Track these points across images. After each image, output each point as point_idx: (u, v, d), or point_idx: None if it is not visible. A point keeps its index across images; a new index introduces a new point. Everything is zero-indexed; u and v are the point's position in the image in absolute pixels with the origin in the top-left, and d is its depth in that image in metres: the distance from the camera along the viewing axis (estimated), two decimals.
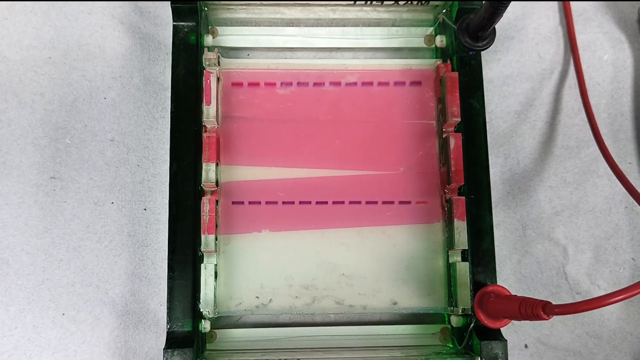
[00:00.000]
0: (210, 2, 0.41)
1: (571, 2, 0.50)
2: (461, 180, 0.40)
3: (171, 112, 0.39)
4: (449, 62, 0.42)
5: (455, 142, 0.40)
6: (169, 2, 0.40)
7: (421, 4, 0.44)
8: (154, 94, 0.45)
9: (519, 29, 0.50)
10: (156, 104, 0.45)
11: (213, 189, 0.40)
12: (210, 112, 0.39)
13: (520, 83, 0.47)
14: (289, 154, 0.41)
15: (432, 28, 0.45)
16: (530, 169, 0.46)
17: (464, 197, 0.40)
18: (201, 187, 0.39)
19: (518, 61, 0.47)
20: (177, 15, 0.40)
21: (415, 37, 0.45)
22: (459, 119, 0.40)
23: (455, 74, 0.41)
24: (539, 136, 0.46)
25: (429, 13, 0.44)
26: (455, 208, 0.40)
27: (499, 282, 0.42)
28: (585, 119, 0.44)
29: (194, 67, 0.40)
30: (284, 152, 0.41)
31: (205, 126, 0.40)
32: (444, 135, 0.41)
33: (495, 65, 0.47)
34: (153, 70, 0.45)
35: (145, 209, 0.44)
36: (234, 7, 0.42)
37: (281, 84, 0.41)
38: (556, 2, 0.50)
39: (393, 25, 0.44)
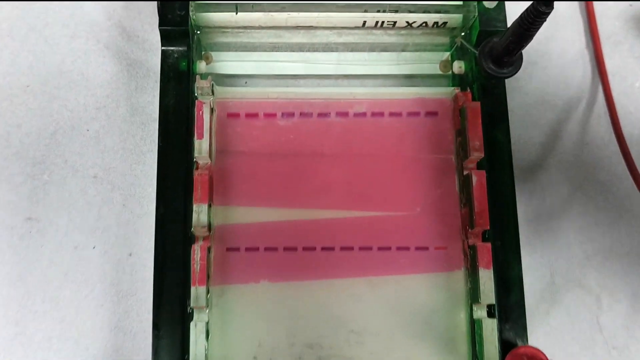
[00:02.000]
0: (203, 25, 0.38)
1: (598, 24, 0.46)
2: (486, 224, 0.36)
3: (158, 147, 0.36)
4: (468, 90, 0.39)
5: (478, 181, 0.36)
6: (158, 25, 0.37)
7: (437, 27, 0.41)
8: (142, 126, 0.42)
9: (542, 54, 0.47)
10: (144, 137, 0.42)
11: (205, 234, 0.36)
12: (202, 146, 0.36)
13: (545, 112, 0.44)
14: (290, 192, 0.38)
15: (448, 53, 0.41)
16: (558, 207, 0.43)
17: (489, 244, 0.36)
18: (191, 232, 0.36)
19: (541, 89, 0.45)
20: (166, 39, 0.37)
21: (430, 62, 0.42)
22: (482, 154, 0.37)
23: (477, 104, 0.37)
24: (566, 170, 0.44)
25: (444, 36, 0.41)
26: (480, 256, 0.36)
27: (528, 338, 0.38)
28: (618, 150, 0.41)
29: (184, 97, 0.37)
30: (285, 190, 0.38)
31: (196, 162, 0.37)
32: (465, 173, 0.38)
33: (517, 94, 0.44)
34: (141, 99, 0.42)
35: (130, 254, 0.40)
36: (229, 30, 0.39)
37: (282, 114, 0.38)
38: (582, 25, 0.47)
39: (405, 50, 0.41)
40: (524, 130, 0.44)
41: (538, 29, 0.33)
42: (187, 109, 0.36)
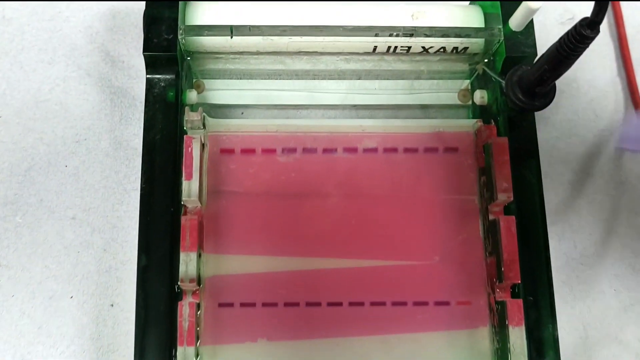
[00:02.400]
0: (194, 50, 0.36)
1: (631, 49, 0.44)
2: (516, 278, 0.34)
3: (141, 189, 0.34)
4: (492, 123, 0.37)
5: (506, 227, 0.34)
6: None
7: (456, 52, 0.38)
8: (126, 162, 0.40)
9: (570, 82, 0.44)
10: (128, 174, 0.40)
11: (193, 287, 0.33)
12: (191, 188, 0.33)
13: (574, 147, 0.42)
14: (292, 239, 0.36)
15: (467, 81, 0.40)
16: (591, 253, 0.41)
17: (520, 300, 0.34)
18: (178, 286, 0.33)
19: (570, 120, 0.43)
20: (151, 66, 0.35)
21: (448, 91, 0.40)
22: (511, 197, 0.34)
23: (504, 140, 0.35)
24: (599, 212, 0.41)
25: (463, 63, 0.39)
26: (510, 313, 0.33)
27: None
28: None
29: (172, 131, 0.34)
30: (285, 236, 0.36)
31: (185, 206, 0.34)
32: (491, 217, 0.35)
33: (542, 126, 0.42)
34: (126, 132, 0.40)
35: (112, 305, 0.38)
36: (223, 56, 0.37)
37: (283, 150, 0.37)
38: (613, 49, 0.45)
39: (420, 78, 0.39)
40: (551, 166, 0.41)
41: (579, 55, 0.30)
42: (175, 144, 0.34)
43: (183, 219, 0.33)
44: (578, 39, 0.29)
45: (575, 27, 0.29)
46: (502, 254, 0.34)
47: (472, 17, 0.38)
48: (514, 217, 0.34)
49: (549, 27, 0.44)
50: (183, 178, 0.34)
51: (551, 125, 0.42)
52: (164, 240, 0.33)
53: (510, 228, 0.34)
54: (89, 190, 0.39)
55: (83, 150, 0.40)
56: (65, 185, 0.39)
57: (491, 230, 0.35)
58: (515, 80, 0.34)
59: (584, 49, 0.29)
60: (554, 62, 0.31)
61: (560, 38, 0.30)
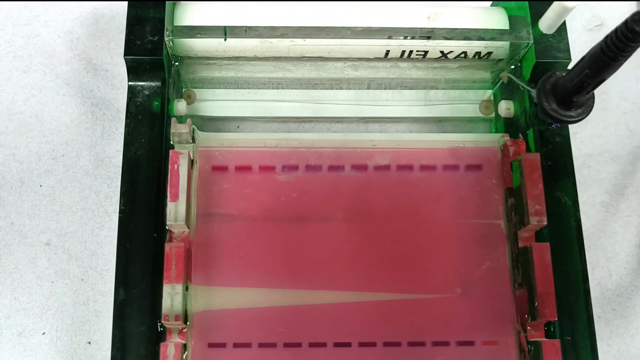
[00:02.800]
0: (182, 54, 0.34)
1: None
2: (552, 314, 0.31)
3: (120, 211, 0.32)
4: (521, 138, 0.35)
5: (540, 255, 0.31)
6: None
7: (479, 58, 0.36)
8: (108, 181, 0.38)
9: (599, 94, 0.40)
10: (110, 195, 0.38)
11: (180, 326, 0.31)
12: (177, 211, 0.31)
13: (605, 165, 0.41)
14: (293, 269, 0.34)
15: (490, 91, 0.38)
16: (627, 283, 0.39)
17: (557, 341, 0.31)
18: (162, 324, 0.31)
19: (601, 136, 0.41)
20: (134, 72, 0.33)
21: (468, 102, 0.38)
22: (545, 221, 0.32)
23: (536, 157, 0.33)
24: (635, 237, 0.39)
25: (485, 71, 0.37)
26: (545, 356, 0.31)
27: None
28: None
29: (156, 146, 0.32)
30: (286, 266, 0.34)
31: (170, 232, 0.32)
32: (521, 244, 0.33)
33: (571, 142, 0.39)
34: (108, 147, 0.39)
35: (89, 343, 0.36)
36: (216, 62, 0.35)
37: (283, 167, 0.35)
38: None
39: (437, 88, 0.38)
40: (581, 186, 0.39)
41: (628, 57, 0.26)
42: (160, 161, 0.32)
43: (167, 246, 0.31)
44: (629, 36, 0.25)
45: (625, 22, 0.25)
46: (535, 286, 0.31)
47: (495, 20, 0.36)
48: (548, 244, 0.32)
49: (576, 34, 0.42)
50: (168, 199, 0.31)
51: (580, 142, 0.40)
52: (146, 271, 0.31)
53: (544, 256, 0.32)
54: (66, 213, 0.38)
55: (60, 167, 0.38)
56: (40, 207, 0.38)
57: (521, 259, 0.33)
58: (549, 88, 0.31)
59: (634, 49, 0.26)
60: (598, 65, 0.27)
61: (606, 37, 0.26)
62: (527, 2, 0.34)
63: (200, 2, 0.35)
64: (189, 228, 0.32)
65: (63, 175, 0.38)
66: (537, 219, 0.32)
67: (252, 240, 0.34)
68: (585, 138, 0.41)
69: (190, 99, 0.37)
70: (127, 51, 0.32)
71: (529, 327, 0.32)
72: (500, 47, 0.35)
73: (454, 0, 0.38)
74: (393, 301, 0.33)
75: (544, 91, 0.31)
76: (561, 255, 0.32)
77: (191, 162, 0.33)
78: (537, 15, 0.34)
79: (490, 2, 0.38)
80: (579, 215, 0.33)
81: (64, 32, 0.40)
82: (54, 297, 0.36)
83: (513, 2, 0.35)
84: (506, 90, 0.37)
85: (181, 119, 0.34)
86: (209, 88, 0.37)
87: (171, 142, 0.33)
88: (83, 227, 0.37)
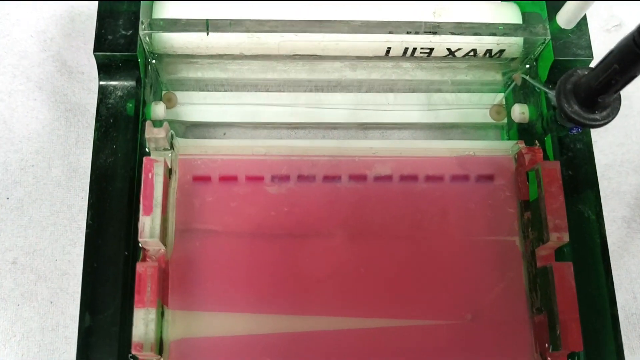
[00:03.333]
0: (160, 51, 0.33)
1: None
2: (577, 344, 0.29)
3: (87, 226, 0.30)
4: (537, 144, 0.34)
5: (562, 277, 0.30)
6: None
7: (490, 56, 0.34)
8: (82, 193, 0.37)
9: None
10: (84, 208, 0.36)
11: (153, 357, 0.29)
12: (151, 226, 0.29)
13: (627, 176, 0.39)
14: (283, 291, 0.32)
15: (501, 94, 0.37)
16: None
17: None
18: (132, 356, 0.29)
19: (622, 144, 0.40)
20: (105, 70, 0.31)
21: (477, 107, 0.37)
22: (567, 238, 0.30)
23: (556, 165, 0.31)
24: None
25: (496, 72, 0.36)
26: None
27: None
28: None
29: (130, 152, 0.31)
30: (275, 288, 0.32)
31: (144, 250, 0.31)
32: (540, 264, 0.32)
33: None
34: (82, 157, 0.37)
35: None
36: (199, 60, 0.34)
37: (273, 178, 0.34)
38: None
39: (442, 91, 0.37)
40: (602, 200, 0.36)
41: None
42: (134, 169, 0.31)
43: (140, 265, 0.30)
44: None
45: None
46: (557, 311, 0.30)
47: (507, 16, 0.34)
48: (570, 263, 0.30)
49: (593, 35, 0.42)
50: (141, 213, 0.30)
51: (599, 151, 0.39)
52: (115, 294, 0.29)
53: (566, 278, 0.30)
54: (35, 228, 0.36)
55: (29, 179, 0.37)
56: (6, 222, 0.37)
57: (540, 281, 0.32)
58: (570, 88, 0.30)
59: None
60: (628, 60, 0.25)
61: (638, 27, 0.24)
62: None
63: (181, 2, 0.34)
64: (165, 245, 0.31)
65: (32, 187, 0.37)
66: (558, 235, 0.31)
67: (237, 259, 0.33)
68: (605, 147, 0.40)
69: (170, 103, 0.35)
70: (97, 47, 0.31)
71: (549, 359, 0.31)
72: (514, 44, 0.33)
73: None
74: (395, 328, 0.32)
75: (565, 92, 0.30)
76: (585, 276, 0.31)
77: (169, 172, 0.32)
78: (553, 10, 0.32)
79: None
80: (604, 231, 0.32)
81: (37, 32, 0.39)
82: (20, 321, 0.35)
83: None
84: (519, 93, 0.36)
85: (157, 124, 0.32)
86: (191, 90, 0.36)
87: (147, 149, 0.32)
88: (53, 244, 0.36)
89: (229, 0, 0.33)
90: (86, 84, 0.38)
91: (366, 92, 0.37)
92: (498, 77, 0.36)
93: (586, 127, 0.31)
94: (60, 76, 0.38)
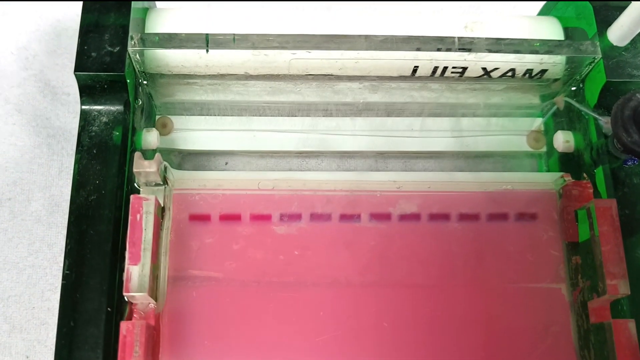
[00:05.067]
0: (153, 70, 0.31)
1: None
2: None
3: (63, 276, 0.27)
4: (585, 178, 0.31)
5: (623, 337, 0.27)
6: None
7: (530, 77, 0.31)
8: (65, 230, 0.32)
9: None
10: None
11: None
12: (141, 277, 0.26)
13: None
14: (293, 349, 0.30)
15: (540, 119, 0.34)
16: None
17: None
18: None
19: None
20: (88, 92, 0.28)
21: (513, 133, 0.35)
22: (627, 290, 0.27)
23: (612, 203, 0.29)
24: None
25: (533, 94, 0.33)
26: None
27: None
28: None
29: (115, 189, 0.28)
30: (284, 345, 0.30)
31: (130, 304, 0.27)
32: (594, 319, 0.29)
33: None
34: (66, 189, 0.36)
35: None
36: (198, 81, 0.31)
37: (281, 216, 0.32)
38: None
39: (475, 115, 0.35)
40: None
41: None
42: (120, 209, 0.28)
43: (124, 325, 0.26)
44: None
45: None
46: None
47: (547, 32, 0.31)
48: (633, 321, 0.27)
49: None
50: (127, 262, 0.27)
51: None
52: (94, 359, 0.26)
53: (628, 338, 0.27)
54: (10, 271, 0.34)
55: (5, 214, 0.35)
56: None
57: (594, 339, 0.29)
58: (629, 114, 0.27)
59: None
60: None
61: None
62: (591, 6, 0.30)
63: (178, 7, 0.31)
64: (155, 299, 0.28)
65: (9, 224, 0.35)
66: (616, 285, 0.28)
67: (240, 311, 0.30)
68: None
69: (165, 129, 0.33)
70: (79, 65, 0.28)
71: None
72: (558, 64, 0.30)
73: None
74: None
75: (623, 119, 0.27)
76: None
77: (161, 210, 0.29)
78: (603, 25, 0.30)
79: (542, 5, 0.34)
80: None
81: (18, 49, 0.38)
82: None
83: (571, 4, 0.31)
84: (562, 118, 0.33)
85: (147, 155, 0.30)
86: (189, 115, 0.34)
87: (135, 185, 0.29)
88: (31, 289, 0.34)
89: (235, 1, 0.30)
90: (72, 106, 0.37)
91: (388, 116, 0.35)
92: (536, 100, 0.33)
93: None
94: (43, 98, 0.37)
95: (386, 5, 0.37)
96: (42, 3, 0.38)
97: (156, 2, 0.33)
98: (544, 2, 0.34)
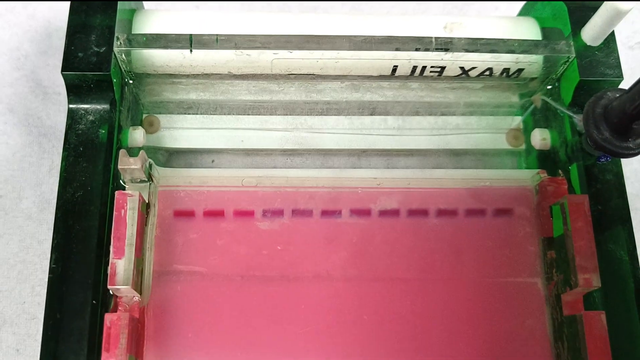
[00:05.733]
0: (139, 70, 0.31)
1: None
2: None
3: (50, 271, 0.27)
4: (561, 175, 0.31)
5: (594, 328, 0.27)
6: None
7: (507, 76, 0.31)
8: None
9: None
10: None
11: None
12: (125, 271, 0.26)
13: None
14: (277, 342, 0.30)
15: (519, 117, 0.34)
16: None
17: None
18: None
19: None
20: (75, 91, 0.29)
21: (492, 131, 0.35)
22: (597, 283, 0.27)
23: (584, 199, 0.29)
24: None
25: (513, 93, 0.34)
26: None
27: None
28: None
29: (101, 185, 0.28)
30: (268, 338, 0.30)
31: (115, 297, 0.28)
32: (567, 312, 0.29)
33: None
34: (56, 186, 0.33)
35: None
36: (183, 80, 0.31)
37: (264, 212, 0.32)
38: None
39: (454, 114, 0.35)
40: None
41: None
42: (106, 205, 0.28)
43: (108, 317, 0.27)
44: None
45: None
46: None
47: (524, 32, 0.32)
48: (603, 312, 0.28)
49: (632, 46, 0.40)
50: (111, 256, 0.27)
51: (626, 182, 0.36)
52: (80, 351, 0.26)
53: (598, 329, 0.27)
54: (1, 267, 0.34)
55: None
56: None
57: (567, 331, 0.29)
58: (600, 112, 0.27)
59: None
60: None
61: None
62: (565, 7, 0.30)
63: (166, 8, 0.31)
64: (140, 293, 0.28)
65: (1, 220, 0.35)
66: (587, 278, 0.28)
67: (224, 305, 0.30)
68: (630, 174, 0.38)
69: (152, 127, 0.33)
70: (66, 65, 0.28)
71: None
72: (534, 63, 0.31)
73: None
74: None
75: (594, 116, 0.28)
76: (617, 326, 0.28)
77: (145, 206, 0.29)
78: (578, 25, 0.30)
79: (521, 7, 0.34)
80: (639, 274, 0.29)
81: (9, 49, 0.38)
82: None
83: (548, 4, 0.31)
84: (540, 116, 0.33)
85: (133, 152, 0.30)
86: (176, 113, 0.34)
87: (121, 182, 0.29)
88: (21, 285, 0.34)
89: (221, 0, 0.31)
90: (63, 106, 0.36)
91: (370, 115, 0.35)
92: (515, 98, 0.34)
93: (618, 157, 0.28)
94: (34, 97, 0.37)
95: (371, 6, 0.37)
96: (34, 4, 0.38)
97: (144, 2, 0.32)
98: (524, 1, 0.34)
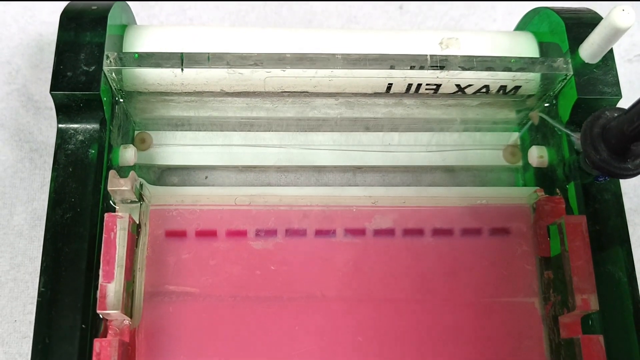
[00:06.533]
0: (130, 88, 0.30)
1: None
2: None
3: (38, 294, 0.27)
4: (558, 193, 0.31)
5: (592, 352, 0.27)
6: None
7: (504, 93, 0.31)
8: None
9: None
10: None
11: None
12: (114, 295, 0.26)
13: None
14: None
15: (516, 134, 0.34)
16: None
17: None
18: None
19: None
20: (64, 111, 0.28)
21: (489, 147, 0.35)
22: (595, 306, 0.27)
23: (582, 220, 0.28)
24: None
25: (511, 109, 0.33)
26: None
27: None
28: None
29: (91, 207, 0.28)
30: (262, 358, 0.29)
31: (104, 321, 0.27)
32: (564, 334, 0.29)
33: None
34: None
35: None
36: (175, 98, 0.31)
37: (257, 232, 0.31)
38: None
39: (450, 130, 0.35)
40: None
41: None
42: (95, 227, 0.27)
43: (97, 343, 0.26)
44: None
45: None
46: None
47: (522, 48, 0.31)
48: (601, 337, 0.27)
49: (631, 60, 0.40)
50: (100, 279, 0.27)
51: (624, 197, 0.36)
52: None
53: (596, 354, 0.27)
54: None
55: None
56: None
57: (565, 353, 0.28)
58: (598, 132, 0.27)
59: None
60: None
61: None
62: (563, 23, 0.30)
63: (158, 23, 0.31)
64: (130, 315, 0.28)
65: None
66: (585, 300, 0.28)
67: (216, 326, 0.30)
68: (629, 190, 0.37)
69: (144, 144, 0.33)
70: (55, 85, 0.28)
71: None
72: (531, 80, 0.30)
73: None
74: None
75: (592, 137, 0.27)
76: (616, 350, 0.28)
77: (136, 227, 0.29)
78: (575, 41, 0.30)
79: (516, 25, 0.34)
80: (638, 296, 0.28)
81: (0, 63, 0.37)
82: None
83: (545, 19, 0.31)
84: (537, 133, 0.33)
85: (122, 172, 0.30)
86: (168, 130, 0.34)
87: (111, 202, 0.28)
88: (12, 303, 0.34)
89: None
90: (54, 121, 0.34)
91: (364, 131, 0.35)
92: (512, 115, 0.33)
93: (616, 177, 0.27)
94: (26, 112, 0.36)
95: (368, 16, 0.37)
96: (25, 18, 0.38)
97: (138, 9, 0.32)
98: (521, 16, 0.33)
